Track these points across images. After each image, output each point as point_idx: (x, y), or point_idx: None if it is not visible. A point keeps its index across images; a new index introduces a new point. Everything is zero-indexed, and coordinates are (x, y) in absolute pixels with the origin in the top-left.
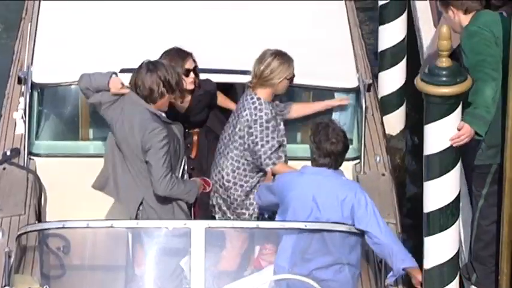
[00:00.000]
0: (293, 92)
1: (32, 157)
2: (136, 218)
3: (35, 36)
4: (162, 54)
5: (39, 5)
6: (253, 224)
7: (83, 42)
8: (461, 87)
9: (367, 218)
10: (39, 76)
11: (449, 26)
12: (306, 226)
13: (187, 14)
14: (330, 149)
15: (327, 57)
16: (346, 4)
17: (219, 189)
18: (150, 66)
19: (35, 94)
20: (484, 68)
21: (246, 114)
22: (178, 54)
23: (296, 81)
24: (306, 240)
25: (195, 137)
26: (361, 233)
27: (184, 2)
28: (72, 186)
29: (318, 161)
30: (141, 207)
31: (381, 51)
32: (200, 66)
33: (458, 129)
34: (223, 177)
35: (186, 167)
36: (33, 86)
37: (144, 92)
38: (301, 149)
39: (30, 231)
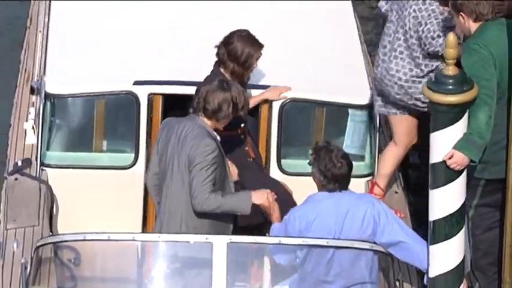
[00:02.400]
0: (306, 108)
1: (43, 168)
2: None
3: (46, 45)
4: (233, 36)
5: (49, 14)
6: (275, 240)
7: (96, 52)
8: (467, 95)
9: (390, 226)
10: (53, 86)
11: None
12: (327, 243)
13: (197, 21)
14: (337, 173)
15: (339, 71)
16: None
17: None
18: (225, 85)
19: (48, 104)
20: (478, 92)
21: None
22: (255, 41)
23: (308, 96)
24: (326, 264)
25: (248, 137)
26: (382, 251)
27: (192, 9)
28: (85, 198)
29: (328, 187)
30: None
31: None
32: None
33: (449, 158)
34: (400, 79)
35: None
36: (47, 96)
37: (212, 107)
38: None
39: (51, 242)
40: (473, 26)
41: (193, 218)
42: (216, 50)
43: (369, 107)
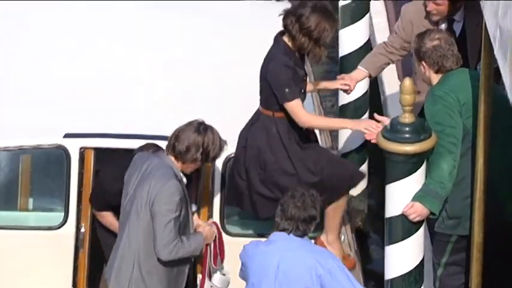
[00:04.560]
0: None
1: None
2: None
3: None
4: (306, 7)
5: None
6: None
7: (23, 102)
8: (425, 144)
9: (342, 283)
10: None
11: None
12: None
13: (131, 70)
14: (292, 213)
15: None
16: None
17: None
18: (201, 127)
19: None
20: (442, 140)
21: None
22: (332, 16)
23: None
24: None
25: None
26: None
27: (126, 56)
28: (9, 261)
29: (279, 225)
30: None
31: (342, 105)
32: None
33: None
34: None
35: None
36: None
37: (180, 147)
38: None
39: None
40: (434, 78)
41: (149, 260)
42: (281, 20)
43: None
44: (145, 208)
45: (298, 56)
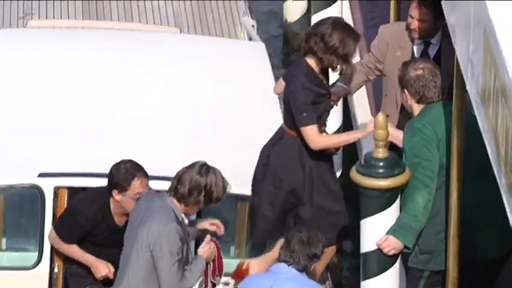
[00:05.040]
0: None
1: None
2: None
3: None
4: (328, 24)
5: None
6: None
7: None
8: (399, 179)
9: None
10: None
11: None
12: None
13: (106, 108)
14: (296, 247)
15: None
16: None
17: None
18: (203, 169)
19: None
20: (418, 173)
21: None
22: (353, 30)
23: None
24: None
25: None
26: None
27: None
28: None
29: (281, 256)
30: None
31: None
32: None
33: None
34: None
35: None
36: None
37: (182, 190)
38: None
39: None
40: (415, 108)
41: None
42: (304, 42)
43: None
44: (145, 249)
45: (321, 76)
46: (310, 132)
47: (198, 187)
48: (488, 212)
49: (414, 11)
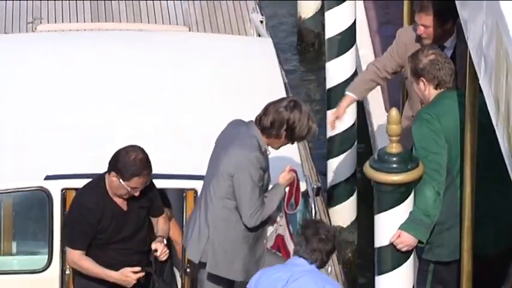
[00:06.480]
0: None
1: None
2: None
3: None
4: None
5: None
6: None
7: (1, 144)
8: (412, 174)
9: None
10: None
11: (418, 97)
12: None
13: (110, 109)
14: (318, 245)
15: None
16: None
17: None
18: (291, 104)
19: None
20: (426, 167)
21: None
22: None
23: None
24: None
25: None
26: None
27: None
28: None
29: (299, 252)
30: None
31: (330, 137)
32: None
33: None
34: None
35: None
36: None
37: (265, 121)
38: None
39: None
40: (433, 94)
41: (219, 233)
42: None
43: (304, 195)
44: (226, 175)
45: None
46: None
47: (280, 120)
48: (487, 208)
49: (417, 17)
